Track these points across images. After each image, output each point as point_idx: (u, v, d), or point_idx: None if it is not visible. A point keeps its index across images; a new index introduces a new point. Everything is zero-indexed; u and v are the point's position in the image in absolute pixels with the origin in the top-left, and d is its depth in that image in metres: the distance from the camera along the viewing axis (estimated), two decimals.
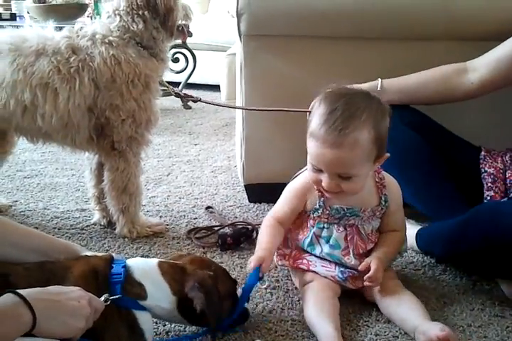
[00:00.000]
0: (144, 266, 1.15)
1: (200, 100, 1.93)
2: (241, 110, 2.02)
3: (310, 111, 1.69)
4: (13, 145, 1.85)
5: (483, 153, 1.69)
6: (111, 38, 1.59)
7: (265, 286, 1.46)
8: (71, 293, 0.94)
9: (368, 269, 1.33)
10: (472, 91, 1.65)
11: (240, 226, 1.78)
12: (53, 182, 2.25)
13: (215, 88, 4.05)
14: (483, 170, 1.65)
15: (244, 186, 2.09)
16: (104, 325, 1.03)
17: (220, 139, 2.98)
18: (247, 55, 1.90)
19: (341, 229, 1.39)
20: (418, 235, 1.63)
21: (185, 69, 3.69)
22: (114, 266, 1.12)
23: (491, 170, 1.64)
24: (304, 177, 1.42)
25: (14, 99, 1.57)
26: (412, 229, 1.62)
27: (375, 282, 1.33)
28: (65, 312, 0.90)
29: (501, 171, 1.65)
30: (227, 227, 1.78)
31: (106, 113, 1.61)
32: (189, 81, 3.86)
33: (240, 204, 2.06)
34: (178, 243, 1.72)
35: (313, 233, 1.41)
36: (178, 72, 3.63)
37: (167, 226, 1.83)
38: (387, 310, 1.34)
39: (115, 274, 1.10)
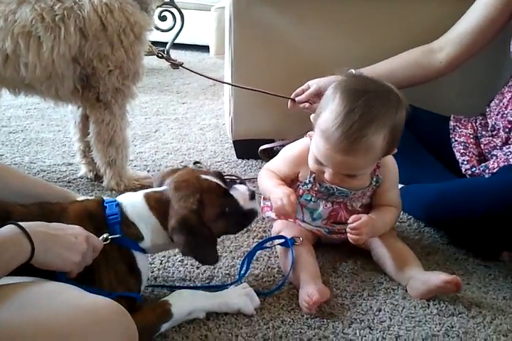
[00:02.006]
0: (133, 204, 1.13)
1: (181, 65, 1.90)
2: (229, 67, 1.99)
3: (293, 99, 1.68)
4: None
5: (452, 123, 1.72)
6: None
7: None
8: (70, 229, 0.97)
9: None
10: (442, 69, 1.72)
11: (228, 179, 1.77)
12: (39, 137, 2.23)
13: (204, 49, 3.99)
14: (453, 140, 1.68)
15: (233, 142, 2.08)
16: (103, 259, 1.05)
17: (208, 98, 2.95)
18: (237, 6, 1.84)
19: (328, 205, 1.36)
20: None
21: (172, 28, 3.61)
22: (107, 205, 1.12)
23: (462, 139, 1.68)
24: (302, 145, 1.37)
25: None
26: None
27: (357, 234, 1.26)
28: (62, 245, 0.92)
29: (471, 136, 1.69)
30: None
31: (93, 63, 1.57)
32: (176, 41, 3.78)
33: (228, 160, 2.05)
34: None
35: (299, 202, 1.38)
36: (165, 31, 3.56)
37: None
38: (380, 259, 1.34)
39: (111, 215, 1.10)
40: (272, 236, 1.40)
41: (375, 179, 1.35)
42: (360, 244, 1.31)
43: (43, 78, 1.58)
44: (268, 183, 1.39)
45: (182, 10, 3.65)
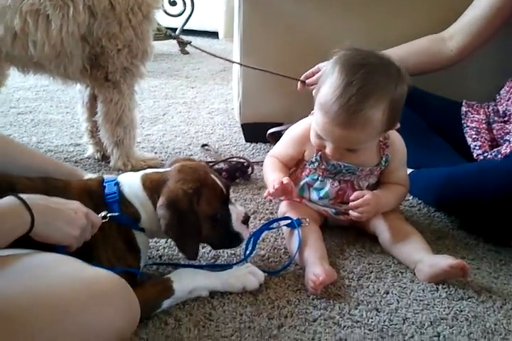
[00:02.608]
0: (130, 184, 1.12)
1: (189, 43, 1.88)
2: (238, 49, 1.97)
3: (303, 81, 1.65)
4: (6, 76, 1.80)
5: (464, 108, 1.70)
6: None
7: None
8: (70, 204, 0.96)
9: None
10: (453, 57, 1.71)
11: (235, 162, 1.76)
12: (47, 118, 2.22)
13: (213, 35, 3.96)
14: (465, 125, 1.66)
15: (241, 125, 2.06)
16: (101, 237, 1.04)
17: (217, 83, 2.93)
18: None
19: (336, 184, 1.35)
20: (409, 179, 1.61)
21: (182, 13, 3.58)
22: (106, 185, 1.11)
23: (474, 124, 1.65)
24: (306, 123, 1.36)
25: (3, 25, 1.51)
26: None
27: (359, 212, 1.27)
28: (62, 218, 0.91)
29: (484, 121, 1.67)
30: (222, 163, 1.75)
31: (102, 42, 1.56)
32: (186, 27, 3.76)
33: (236, 144, 2.04)
34: None
35: (306, 182, 1.37)
36: (175, 16, 3.53)
37: (162, 162, 1.81)
38: (388, 243, 1.32)
39: (109, 194, 1.10)
40: (278, 217, 1.39)
41: (384, 159, 1.33)
42: (363, 221, 1.31)
43: (52, 56, 1.56)
44: (270, 177, 1.37)
45: None
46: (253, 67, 1.80)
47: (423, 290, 1.19)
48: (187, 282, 1.10)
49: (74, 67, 1.60)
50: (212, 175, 1.15)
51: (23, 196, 0.87)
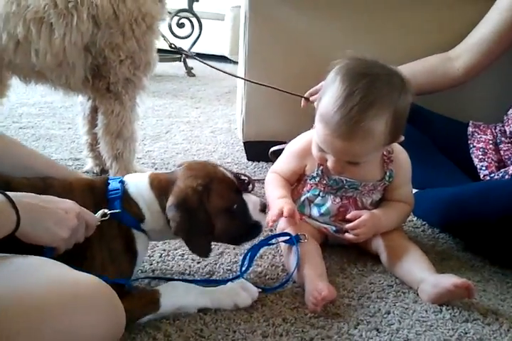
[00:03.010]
0: (136, 183, 1.09)
1: (194, 56, 1.89)
2: (243, 66, 1.96)
3: (307, 98, 1.63)
4: (8, 87, 1.78)
5: (470, 129, 1.68)
6: None
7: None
8: (61, 204, 0.91)
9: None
10: (460, 77, 1.71)
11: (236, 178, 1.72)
12: (49, 133, 2.20)
13: (221, 58, 3.97)
14: (471, 146, 1.64)
15: (244, 143, 2.04)
16: (98, 235, 0.99)
17: (222, 104, 2.92)
18: (252, 4, 1.82)
19: (337, 200, 1.31)
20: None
21: (190, 35, 3.61)
22: (110, 182, 1.08)
23: (480, 145, 1.63)
24: (306, 138, 1.33)
25: (6, 32, 1.50)
26: None
27: (355, 234, 1.24)
28: (50, 219, 0.87)
29: (491, 142, 1.64)
30: None
31: (105, 52, 1.54)
32: (195, 50, 3.77)
33: (238, 162, 2.01)
34: None
35: (306, 198, 1.34)
36: (182, 38, 3.55)
37: None
38: (390, 262, 1.27)
39: (112, 190, 1.06)
40: (277, 233, 1.34)
41: (388, 174, 1.29)
42: (360, 242, 1.27)
43: (54, 66, 1.55)
44: (271, 194, 1.34)
45: (201, 19, 3.65)
46: (257, 82, 1.78)
47: (426, 311, 1.13)
48: (176, 298, 1.04)
49: (76, 77, 1.58)
50: (220, 168, 1.12)
51: (10, 194, 0.83)
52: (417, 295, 1.19)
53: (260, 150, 1.96)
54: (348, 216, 1.26)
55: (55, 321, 0.75)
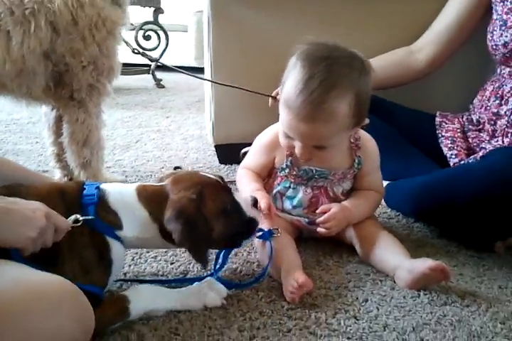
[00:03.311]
0: (120, 192, 1.06)
1: (157, 60, 1.88)
2: (209, 69, 1.95)
3: (274, 97, 1.63)
4: None
5: (438, 119, 1.70)
6: None
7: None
8: (28, 204, 0.88)
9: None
10: (423, 69, 1.74)
11: None
12: (15, 148, 2.17)
13: (189, 70, 3.95)
14: (440, 136, 1.65)
15: (215, 147, 2.02)
16: (69, 242, 0.95)
17: (192, 113, 2.91)
18: (215, 6, 1.82)
19: (308, 190, 1.30)
20: (386, 191, 1.56)
21: (157, 47, 3.60)
22: (86, 187, 1.05)
23: (448, 134, 1.64)
24: (273, 131, 1.32)
25: None
26: None
27: (327, 227, 1.23)
28: (16, 219, 0.83)
29: (459, 130, 1.65)
30: None
31: (65, 59, 1.52)
32: (161, 62, 3.76)
33: (210, 166, 1.99)
34: None
35: (278, 191, 1.33)
36: (149, 50, 3.53)
37: None
38: (364, 251, 1.26)
39: (88, 195, 1.03)
40: None
41: (356, 161, 1.29)
42: (333, 235, 1.26)
43: (13, 75, 1.51)
44: (246, 188, 1.33)
45: (168, 32, 3.65)
46: (224, 83, 1.77)
47: (404, 297, 1.12)
48: (145, 303, 1.01)
49: (37, 85, 1.55)
50: (204, 173, 1.12)
51: None
52: (394, 282, 1.18)
53: (232, 153, 1.94)
54: (318, 210, 1.26)
55: (18, 321, 0.72)
